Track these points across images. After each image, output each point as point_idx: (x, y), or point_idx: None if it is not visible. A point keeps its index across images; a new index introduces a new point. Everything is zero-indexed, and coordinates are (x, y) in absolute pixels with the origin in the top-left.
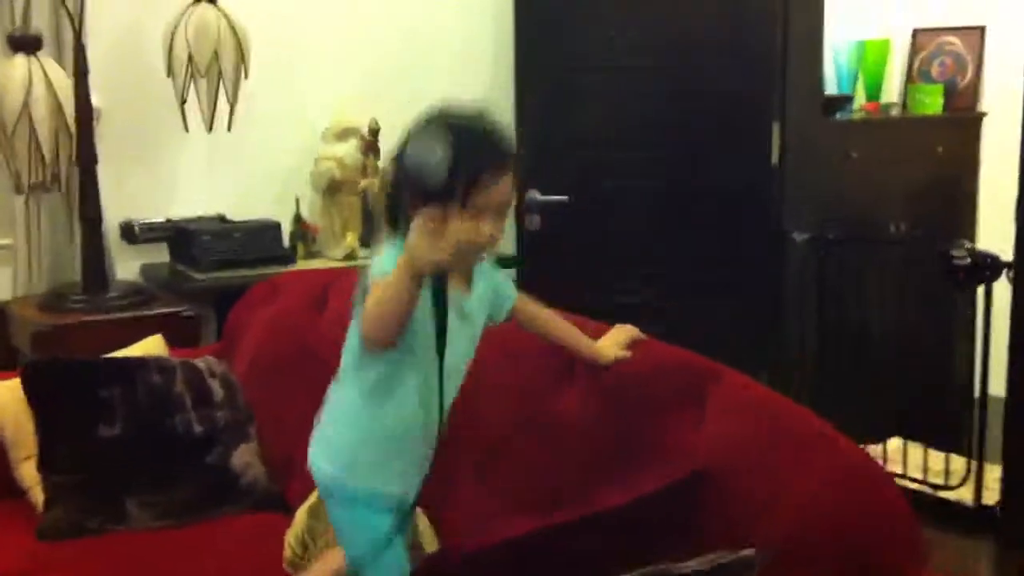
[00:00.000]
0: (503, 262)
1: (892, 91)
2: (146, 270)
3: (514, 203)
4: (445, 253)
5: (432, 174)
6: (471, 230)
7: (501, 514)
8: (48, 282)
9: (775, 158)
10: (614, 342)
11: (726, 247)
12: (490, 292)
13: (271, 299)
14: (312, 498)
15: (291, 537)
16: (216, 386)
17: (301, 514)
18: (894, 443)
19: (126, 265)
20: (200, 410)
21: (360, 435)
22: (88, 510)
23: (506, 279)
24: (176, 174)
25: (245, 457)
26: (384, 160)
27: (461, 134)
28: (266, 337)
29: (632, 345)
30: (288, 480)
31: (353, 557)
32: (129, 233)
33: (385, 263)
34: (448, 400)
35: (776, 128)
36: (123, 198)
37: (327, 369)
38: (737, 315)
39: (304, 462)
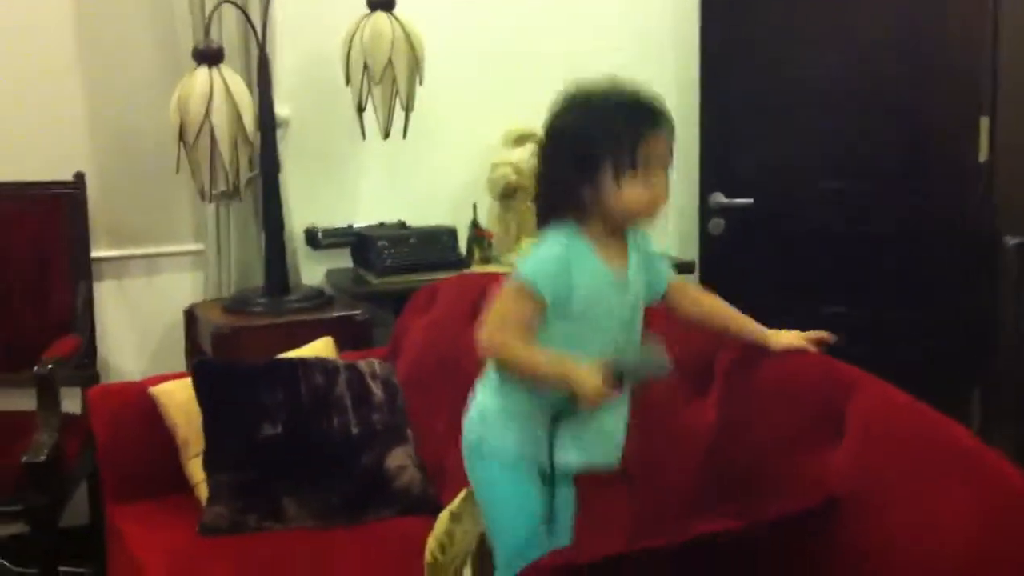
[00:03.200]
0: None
1: None
2: (331, 275)
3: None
4: (598, 407)
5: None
6: (644, 192)
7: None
8: (236, 286)
9: (983, 155)
10: (796, 335)
11: (930, 252)
12: (645, 261)
13: (430, 304)
14: (455, 502)
15: (432, 541)
16: (377, 388)
17: (443, 517)
18: None
19: (314, 270)
20: (359, 411)
21: (502, 401)
22: (247, 508)
23: (660, 252)
24: (358, 181)
25: (400, 460)
26: None
27: (611, 100)
28: (422, 342)
29: (816, 343)
30: (441, 486)
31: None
32: (313, 239)
33: (531, 267)
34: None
35: (984, 123)
36: (310, 205)
37: (472, 379)
38: (944, 328)
39: (456, 470)
